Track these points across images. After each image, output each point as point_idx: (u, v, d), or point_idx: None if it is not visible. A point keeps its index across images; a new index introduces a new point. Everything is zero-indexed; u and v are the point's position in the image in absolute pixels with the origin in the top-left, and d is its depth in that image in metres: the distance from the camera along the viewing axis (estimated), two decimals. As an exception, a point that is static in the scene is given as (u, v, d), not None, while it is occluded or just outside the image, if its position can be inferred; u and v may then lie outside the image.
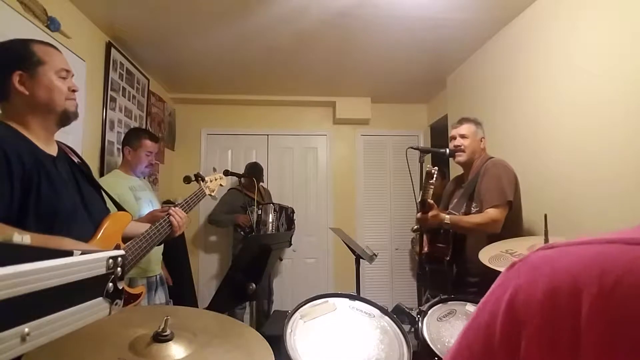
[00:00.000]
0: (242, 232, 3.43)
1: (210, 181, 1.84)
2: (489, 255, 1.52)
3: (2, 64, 1.12)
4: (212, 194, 1.84)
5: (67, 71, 1.19)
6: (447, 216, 1.84)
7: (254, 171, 3.57)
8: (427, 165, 1.78)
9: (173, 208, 1.48)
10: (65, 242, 1.02)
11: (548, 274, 0.34)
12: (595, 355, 0.29)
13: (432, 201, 1.81)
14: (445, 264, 1.95)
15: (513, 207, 1.87)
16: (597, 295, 0.30)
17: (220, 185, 1.91)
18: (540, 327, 0.32)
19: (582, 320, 0.30)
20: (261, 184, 3.68)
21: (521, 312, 0.34)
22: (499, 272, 0.40)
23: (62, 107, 1.17)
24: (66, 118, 1.19)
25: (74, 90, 1.20)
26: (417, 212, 1.87)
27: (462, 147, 2.04)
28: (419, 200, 1.84)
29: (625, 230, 0.35)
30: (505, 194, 1.83)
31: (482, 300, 0.40)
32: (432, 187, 1.78)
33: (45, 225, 1.06)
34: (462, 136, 2.06)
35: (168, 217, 1.44)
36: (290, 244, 3.61)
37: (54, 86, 1.15)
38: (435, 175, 1.74)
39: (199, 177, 1.80)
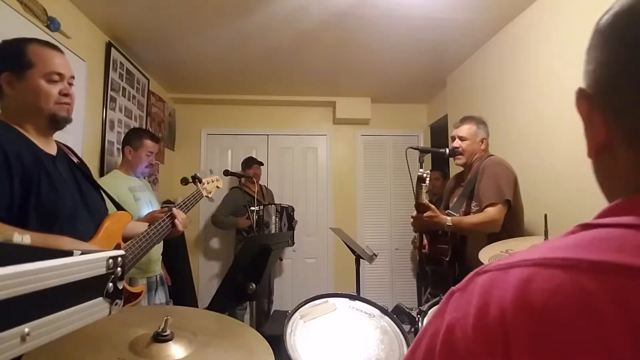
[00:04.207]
0: (244, 233, 3.44)
1: (207, 183, 1.85)
2: (488, 255, 1.51)
3: None
4: (209, 195, 1.84)
5: (60, 74, 1.14)
6: (449, 218, 1.84)
7: (247, 162, 3.61)
8: (420, 169, 1.78)
9: (175, 210, 1.48)
10: (64, 241, 1.02)
11: (477, 309, 0.32)
12: None
13: (427, 202, 1.82)
14: (445, 265, 1.95)
15: (512, 206, 1.87)
16: (527, 333, 0.29)
17: (217, 187, 1.92)
18: None
19: (513, 354, 0.29)
20: (262, 184, 3.69)
21: (458, 349, 0.33)
22: None
23: (49, 112, 1.13)
24: (55, 122, 1.16)
25: (66, 94, 1.15)
26: (413, 213, 1.89)
27: (460, 149, 2.04)
28: (415, 203, 1.85)
29: (555, 242, 0.33)
30: (502, 192, 1.83)
31: (418, 334, 0.39)
32: (425, 190, 1.79)
33: (46, 224, 1.06)
34: (461, 138, 2.05)
35: (168, 218, 1.45)
36: (293, 243, 3.62)
37: (40, 90, 1.11)
38: (427, 179, 1.75)
39: (196, 179, 1.81)
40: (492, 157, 1.99)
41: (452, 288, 0.37)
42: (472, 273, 0.36)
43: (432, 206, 1.83)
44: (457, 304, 0.35)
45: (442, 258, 1.96)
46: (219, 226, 3.66)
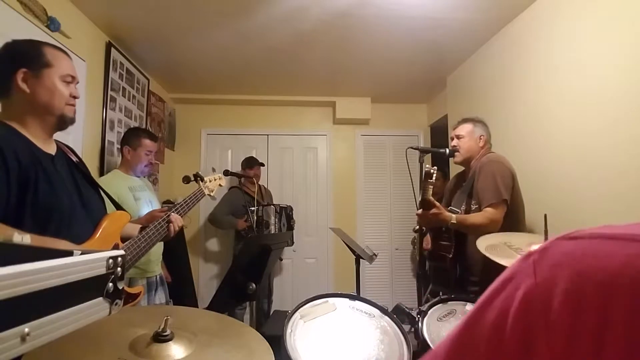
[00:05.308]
0: (243, 233, 3.45)
1: (210, 181, 1.85)
2: (486, 243, 1.50)
3: (9, 60, 1.14)
4: (211, 194, 1.84)
5: (73, 77, 1.21)
6: (454, 215, 1.83)
7: (249, 162, 3.60)
8: (427, 165, 1.78)
9: (173, 215, 1.48)
10: (62, 245, 1.02)
11: (571, 277, 0.30)
12: None
13: (433, 199, 1.81)
14: (447, 262, 1.95)
15: (510, 206, 1.87)
16: (630, 308, 0.27)
17: (220, 185, 1.92)
18: (557, 337, 0.29)
19: (609, 335, 0.27)
20: (262, 184, 3.69)
21: (537, 316, 0.30)
22: (500, 271, 0.36)
23: (60, 112, 1.18)
24: (62, 122, 1.20)
25: (75, 97, 1.21)
26: (418, 210, 1.88)
27: (458, 147, 2.07)
28: (419, 199, 1.84)
29: None
30: (499, 192, 1.83)
31: (488, 294, 0.35)
32: (432, 186, 1.78)
33: (42, 222, 1.06)
34: (458, 136, 2.08)
35: (165, 222, 1.45)
36: (293, 243, 3.62)
37: (56, 90, 1.16)
38: (434, 175, 1.75)
39: (198, 177, 1.81)
40: (489, 155, 1.99)
41: (530, 250, 0.34)
42: (555, 237, 0.34)
43: (437, 203, 1.83)
44: (539, 269, 0.32)
45: (444, 255, 1.96)
46: (217, 225, 3.67)
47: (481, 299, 0.36)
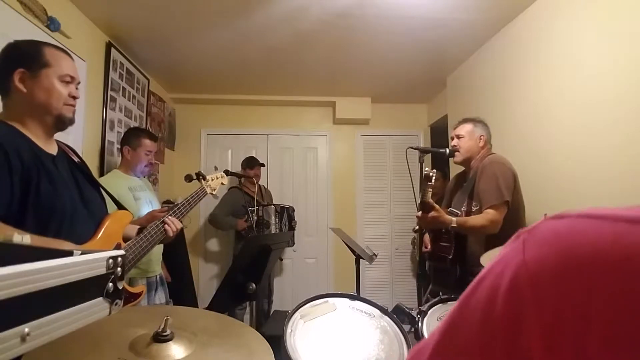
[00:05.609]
0: (244, 233, 3.45)
1: (212, 180, 1.84)
2: (489, 258, 1.51)
3: (8, 60, 1.14)
4: (213, 192, 1.84)
5: (72, 77, 1.20)
6: (454, 219, 1.83)
7: (249, 162, 3.60)
8: (426, 168, 1.79)
9: (169, 217, 1.47)
10: (65, 246, 1.02)
11: (558, 253, 0.30)
12: (605, 348, 0.27)
13: (432, 202, 1.81)
14: (448, 263, 1.95)
15: (511, 206, 1.87)
16: (614, 284, 0.27)
17: (222, 184, 1.91)
18: (545, 312, 0.30)
19: (594, 310, 0.27)
20: (262, 184, 3.69)
21: (525, 292, 0.31)
22: None
23: (58, 112, 1.17)
24: (61, 123, 1.20)
25: (74, 97, 1.21)
26: (418, 212, 1.88)
27: (458, 147, 2.07)
28: (419, 202, 1.84)
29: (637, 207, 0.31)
30: (501, 194, 1.83)
31: (482, 273, 0.36)
32: (431, 189, 1.79)
33: (44, 223, 1.06)
34: (458, 136, 2.09)
35: (161, 223, 1.45)
36: (293, 243, 3.62)
37: (54, 90, 1.15)
38: (433, 178, 1.75)
39: (200, 176, 1.81)
40: (490, 156, 1.99)
41: (520, 230, 0.35)
42: (544, 218, 0.34)
43: (437, 206, 1.83)
44: (528, 246, 0.33)
45: (444, 256, 1.96)
46: (217, 226, 3.66)
47: (475, 279, 0.37)
